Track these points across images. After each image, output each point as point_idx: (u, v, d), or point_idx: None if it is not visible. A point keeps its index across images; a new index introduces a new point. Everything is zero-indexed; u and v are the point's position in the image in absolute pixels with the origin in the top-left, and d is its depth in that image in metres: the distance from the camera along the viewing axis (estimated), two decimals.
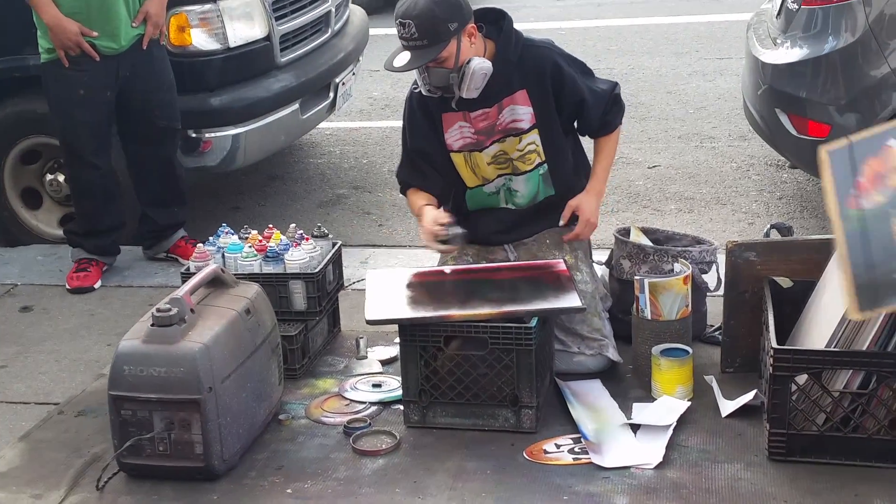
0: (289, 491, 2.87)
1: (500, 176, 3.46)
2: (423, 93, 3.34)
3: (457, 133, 3.42)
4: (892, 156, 2.47)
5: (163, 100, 4.46)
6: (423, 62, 3.22)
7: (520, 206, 3.50)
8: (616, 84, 3.49)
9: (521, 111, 3.36)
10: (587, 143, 3.59)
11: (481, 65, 3.25)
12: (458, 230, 3.32)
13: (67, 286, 4.44)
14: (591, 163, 3.58)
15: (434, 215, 3.35)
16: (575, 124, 3.50)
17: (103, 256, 4.56)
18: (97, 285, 4.46)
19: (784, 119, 4.52)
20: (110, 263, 4.61)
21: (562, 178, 3.47)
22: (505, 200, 3.50)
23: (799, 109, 4.46)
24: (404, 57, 3.23)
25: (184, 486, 2.90)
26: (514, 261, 3.48)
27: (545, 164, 3.44)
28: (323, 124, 5.91)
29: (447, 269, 3.40)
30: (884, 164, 2.47)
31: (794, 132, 4.48)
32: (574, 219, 3.45)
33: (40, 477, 3.00)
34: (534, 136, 3.39)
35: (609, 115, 3.47)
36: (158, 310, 2.90)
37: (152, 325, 2.89)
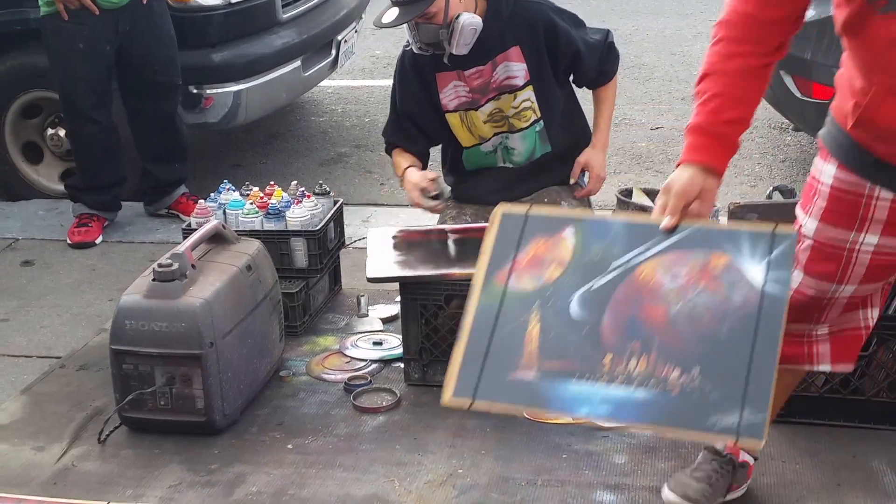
0: (289, 446, 2.88)
1: (496, 134, 3.45)
2: (415, 50, 3.32)
3: (451, 93, 3.41)
4: (560, 246, 2.13)
5: (163, 55, 4.44)
6: (410, 17, 3.20)
7: (517, 165, 3.49)
8: (609, 32, 3.48)
9: (515, 68, 3.35)
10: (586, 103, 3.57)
11: (470, 20, 3.24)
12: (446, 186, 3.33)
13: (69, 241, 4.44)
14: (586, 117, 3.57)
15: (421, 173, 3.36)
16: (571, 78, 3.49)
17: (104, 212, 4.56)
18: (98, 240, 4.46)
19: (789, 81, 4.49)
20: (111, 219, 4.60)
21: (558, 135, 3.46)
22: (502, 159, 3.50)
23: (804, 71, 4.44)
24: (393, 13, 3.22)
25: (185, 440, 2.91)
26: None
27: (541, 121, 3.43)
28: (325, 82, 5.88)
29: (447, 227, 3.40)
30: (549, 251, 2.14)
31: (798, 94, 4.46)
32: (582, 175, 3.47)
33: (42, 430, 3.02)
34: (528, 93, 3.38)
35: (605, 64, 3.46)
36: (160, 265, 2.90)
37: (154, 280, 2.89)
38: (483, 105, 3.40)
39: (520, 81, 3.37)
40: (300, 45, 5.10)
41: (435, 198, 3.33)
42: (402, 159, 3.49)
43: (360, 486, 2.69)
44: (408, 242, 3.31)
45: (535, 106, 3.40)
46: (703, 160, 2.15)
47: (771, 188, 3.45)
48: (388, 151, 3.59)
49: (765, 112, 5.64)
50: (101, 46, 4.28)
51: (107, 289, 4.00)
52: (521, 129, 3.43)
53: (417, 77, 3.43)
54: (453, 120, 3.45)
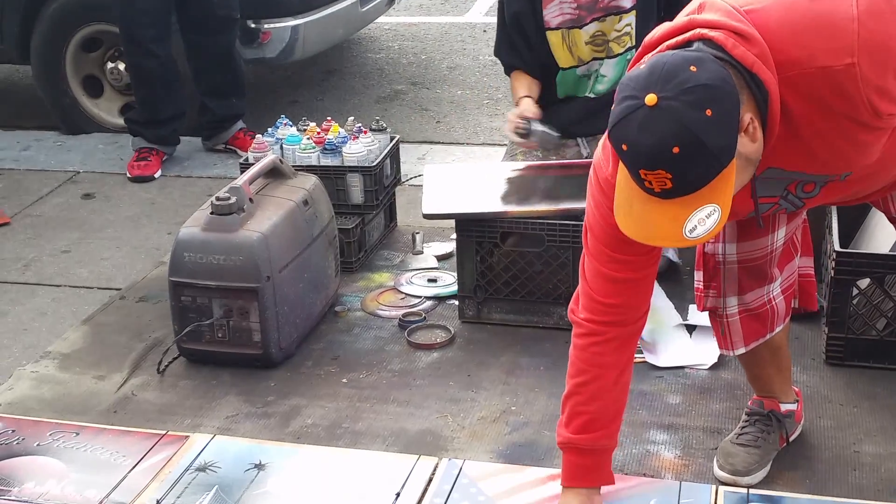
0: (344, 381, 2.91)
1: (594, 59, 3.39)
2: None
3: (556, 9, 3.33)
4: None
5: None
6: None
7: (599, 94, 3.43)
8: None
9: None
10: None
11: None
12: (539, 127, 3.27)
13: (128, 174, 4.48)
14: None
15: (522, 107, 3.32)
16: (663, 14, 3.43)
17: (163, 146, 4.59)
18: (157, 174, 4.49)
19: None
20: (170, 153, 4.63)
21: None
22: (591, 88, 3.44)
23: None
24: None
25: (242, 372, 2.95)
26: (587, 157, 3.43)
27: (633, 50, 3.37)
28: (381, 18, 5.84)
29: (506, 165, 3.37)
30: None
31: None
32: None
33: (103, 359, 3.07)
34: (631, 18, 3.32)
35: None
36: (218, 198, 2.92)
37: (212, 213, 2.91)
38: (587, 24, 3.33)
39: (627, 4, 3.30)
40: None
41: (523, 135, 3.29)
42: (519, 85, 3.43)
43: (414, 421, 2.71)
44: (465, 180, 3.29)
45: (633, 33, 3.34)
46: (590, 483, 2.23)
47: None
48: (508, 72, 3.54)
49: None
50: None
51: (165, 222, 4.04)
52: (617, 55, 3.37)
53: None
54: (554, 38, 3.38)
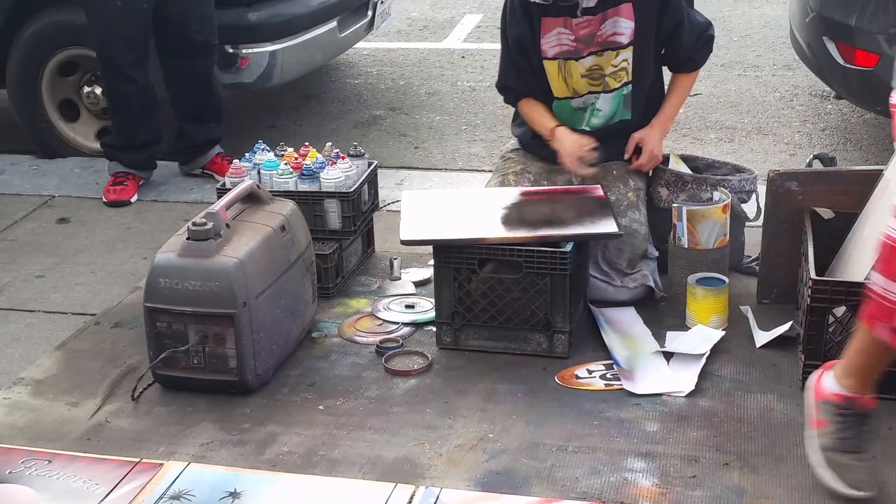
0: (321, 407, 2.89)
1: (590, 92, 3.41)
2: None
3: (554, 39, 3.36)
4: None
5: (200, 13, 4.43)
6: None
7: (594, 128, 3.45)
8: (712, 24, 3.49)
9: (624, 24, 3.31)
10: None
11: None
12: (601, 152, 3.33)
13: (104, 199, 4.46)
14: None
15: (575, 139, 3.35)
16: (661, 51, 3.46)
17: (140, 170, 4.57)
18: (134, 199, 4.47)
19: (831, 47, 4.42)
20: (147, 178, 4.62)
21: (640, 103, 3.43)
22: (587, 121, 3.46)
23: (847, 38, 4.36)
24: None
25: (217, 398, 2.93)
26: (577, 185, 3.43)
27: (630, 85, 3.39)
28: (360, 44, 5.85)
29: (484, 191, 3.38)
30: None
31: (841, 61, 4.38)
32: (637, 151, 3.44)
33: (77, 385, 3.04)
34: (628, 54, 3.34)
35: (697, 52, 3.47)
36: (194, 223, 2.90)
37: (188, 238, 2.90)
38: (584, 57, 3.36)
39: (625, 39, 3.33)
40: (336, 6, 5.07)
41: (593, 165, 3.31)
42: (540, 115, 3.46)
43: (391, 448, 2.70)
44: (442, 205, 3.29)
45: (630, 68, 3.37)
46: None
47: (811, 156, 3.40)
48: (512, 101, 3.56)
49: (806, 79, 5.56)
50: (138, 4, 4.27)
51: (141, 247, 4.02)
52: (613, 90, 3.39)
53: (525, 19, 3.38)
54: (550, 68, 3.40)
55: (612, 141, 3.44)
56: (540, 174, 3.49)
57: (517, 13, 3.40)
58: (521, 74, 3.49)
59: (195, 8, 4.41)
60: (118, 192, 4.46)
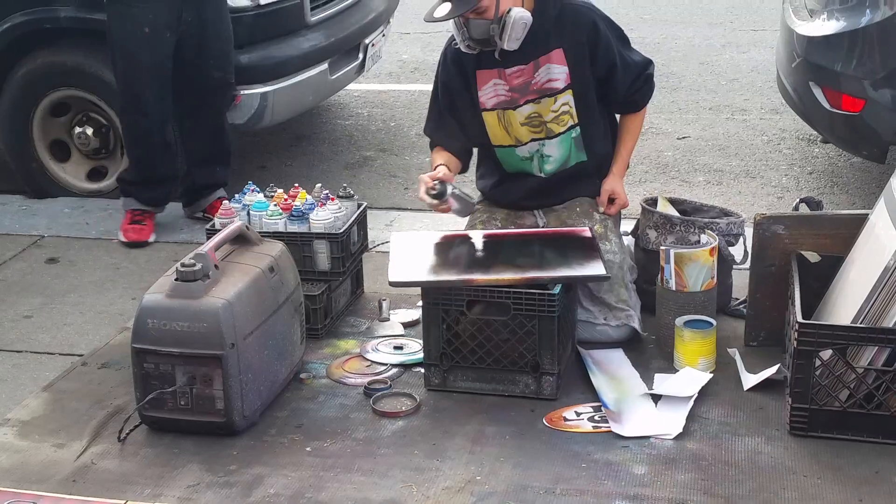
0: (308, 449, 2.88)
1: (533, 140, 3.44)
2: (462, 49, 3.31)
3: (490, 91, 3.40)
4: None
5: (220, 50, 4.40)
6: (462, 11, 3.20)
7: (549, 174, 3.47)
8: (651, 62, 3.47)
9: (557, 70, 3.34)
10: None
11: (521, 14, 3.23)
12: (449, 188, 3.26)
13: (122, 238, 4.39)
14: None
15: (435, 172, 3.34)
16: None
17: (154, 207, 4.50)
18: (152, 239, 4.40)
19: (818, 92, 4.46)
20: (159, 212, 4.55)
21: (593, 143, 3.45)
22: (538, 168, 3.48)
23: (833, 83, 4.40)
24: (445, 7, 3.21)
25: (204, 440, 2.91)
26: (543, 227, 3.46)
27: (577, 128, 3.41)
28: (351, 86, 5.89)
29: (472, 233, 3.39)
30: None
31: (827, 106, 4.42)
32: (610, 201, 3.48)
33: (63, 427, 3.03)
34: (567, 97, 3.37)
35: (637, 92, 3.46)
36: (183, 264, 2.91)
37: (176, 279, 2.90)
38: (521, 105, 3.39)
39: (560, 84, 3.36)
40: (328, 48, 5.10)
41: (436, 196, 3.28)
42: (438, 157, 3.49)
43: (378, 490, 2.69)
44: (431, 247, 3.31)
45: (573, 111, 3.39)
46: None
47: (798, 200, 3.43)
48: (432, 147, 3.59)
49: (793, 123, 5.60)
50: (163, 32, 4.22)
51: (130, 288, 4.01)
52: (558, 135, 3.41)
53: (459, 73, 3.43)
54: (490, 119, 3.44)
55: (573, 185, 3.47)
56: (507, 219, 3.51)
57: (451, 69, 3.44)
58: (439, 126, 3.52)
59: (216, 44, 4.38)
60: (137, 232, 4.39)
